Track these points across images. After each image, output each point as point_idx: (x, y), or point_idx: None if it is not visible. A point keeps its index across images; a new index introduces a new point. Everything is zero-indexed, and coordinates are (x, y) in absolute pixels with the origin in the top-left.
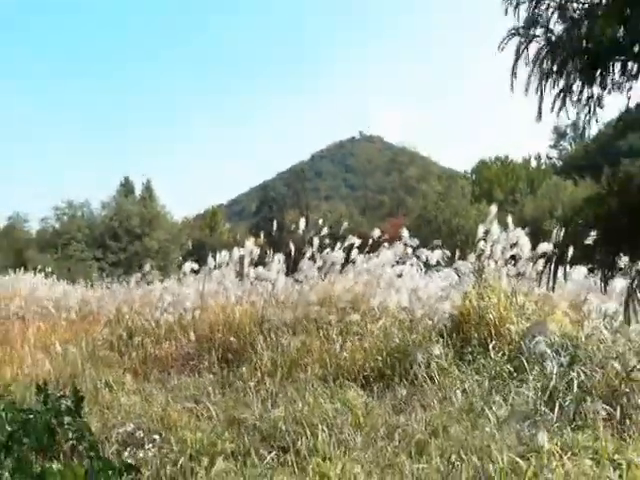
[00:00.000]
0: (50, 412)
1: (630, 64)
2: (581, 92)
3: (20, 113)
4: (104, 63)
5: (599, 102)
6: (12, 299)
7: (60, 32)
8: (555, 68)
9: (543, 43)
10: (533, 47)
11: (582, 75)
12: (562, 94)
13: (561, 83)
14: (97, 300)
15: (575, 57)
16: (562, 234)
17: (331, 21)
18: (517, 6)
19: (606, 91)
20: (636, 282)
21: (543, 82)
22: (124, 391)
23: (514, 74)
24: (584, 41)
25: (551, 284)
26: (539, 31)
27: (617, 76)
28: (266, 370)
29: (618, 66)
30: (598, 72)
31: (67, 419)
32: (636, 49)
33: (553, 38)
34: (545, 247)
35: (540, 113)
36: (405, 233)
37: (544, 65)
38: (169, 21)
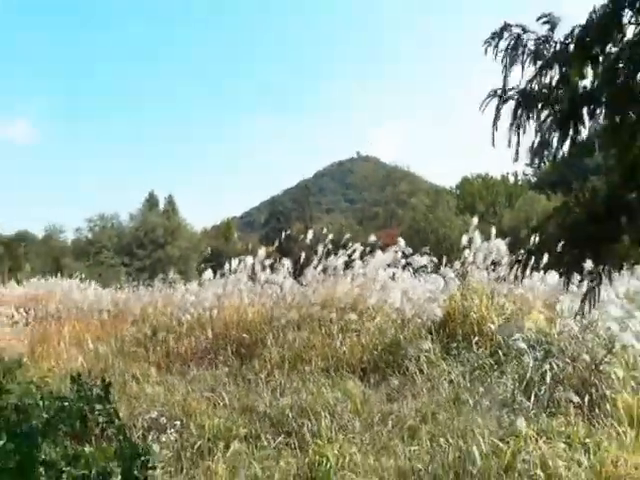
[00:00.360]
0: (82, 400)
1: (598, 110)
2: (558, 148)
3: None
4: (115, 78)
5: (573, 143)
6: (49, 301)
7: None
8: (532, 123)
9: (519, 99)
10: (511, 104)
11: (556, 129)
12: (540, 147)
13: (539, 137)
14: (125, 302)
15: (547, 109)
16: (532, 240)
17: (332, 53)
18: (498, 42)
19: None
20: (595, 282)
21: (520, 132)
22: (149, 382)
23: (495, 127)
24: (555, 90)
25: (519, 278)
26: (515, 89)
27: (587, 123)
28: (275, 363)
29: (587, 115)
30: (571, 125)
31: (98, 406)
32: (604, 97)
33: (527, 93)
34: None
35: (517, 155)
36: (402, 242)
37: (519, 115)
38: (176, 34)
